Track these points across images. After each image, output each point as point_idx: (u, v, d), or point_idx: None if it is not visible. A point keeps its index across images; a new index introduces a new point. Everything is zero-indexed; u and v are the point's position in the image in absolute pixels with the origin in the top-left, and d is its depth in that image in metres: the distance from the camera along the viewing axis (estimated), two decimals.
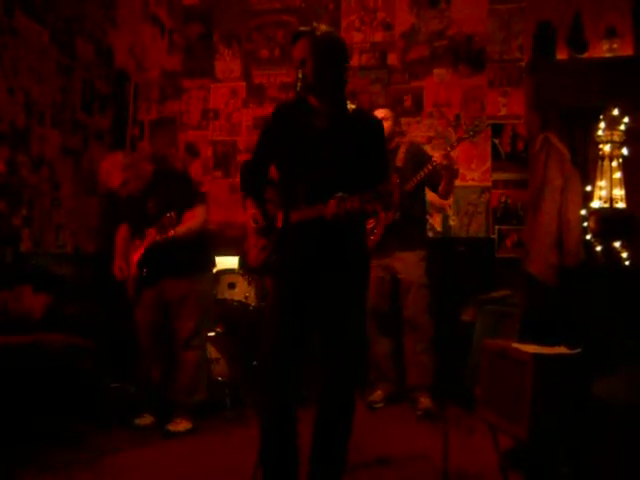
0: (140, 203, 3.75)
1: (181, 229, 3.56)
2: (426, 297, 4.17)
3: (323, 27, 2.48)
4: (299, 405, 2.55)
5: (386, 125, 4.15)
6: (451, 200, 5.13)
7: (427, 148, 4.90)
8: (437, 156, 4.06)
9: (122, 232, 3.92)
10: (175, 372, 3.76)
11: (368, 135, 2.53)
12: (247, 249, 2.80)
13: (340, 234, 2.48)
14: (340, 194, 2.30)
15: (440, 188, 4.14)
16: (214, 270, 4.23)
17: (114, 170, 3.66)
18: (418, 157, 4.23)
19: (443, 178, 4.07)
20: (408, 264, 4.16)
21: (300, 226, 2.47)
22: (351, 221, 2.37)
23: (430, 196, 4.43)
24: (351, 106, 2.56)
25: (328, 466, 2.54)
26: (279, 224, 2.55)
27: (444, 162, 4.00)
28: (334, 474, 2.55)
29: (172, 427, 3.65)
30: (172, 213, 3.44)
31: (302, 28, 2.49)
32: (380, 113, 4.17)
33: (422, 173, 4.08)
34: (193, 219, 3.65)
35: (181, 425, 3.66)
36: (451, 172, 4.09)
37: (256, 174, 2.73)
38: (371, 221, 4.06)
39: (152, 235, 3.58)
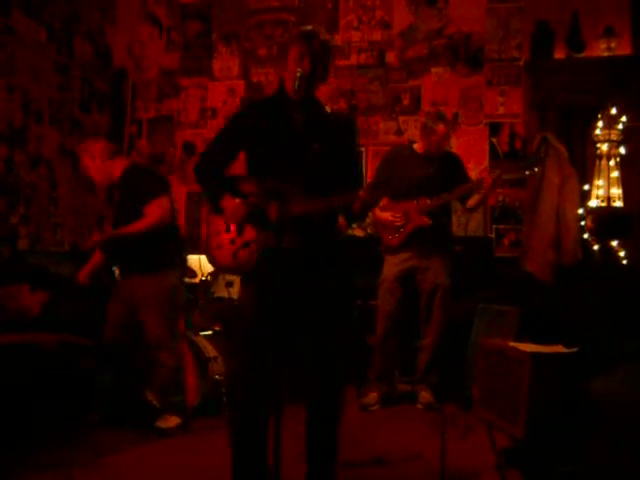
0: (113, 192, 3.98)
1: (125, 230, 3.63)
2: (450, 298, 4.19)
3: (323, 31, 2.59)
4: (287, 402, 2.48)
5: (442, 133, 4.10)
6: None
7: None
8: (478, 179, 4.08)
9: None
10: (152, 373, 3.73)
11: (344, 131, 2.67)
12: (217, 248, 2.59)
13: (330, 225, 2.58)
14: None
15: (469, 204, 4.19)
16: (184, 263, 4.18)
17: (83, 156, 3.83)
18: (454, 170, 4.21)
19: (474, 196, 4.12)
20: (437, 267, 4.15)
21: (305, 217, 2.42)
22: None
23: None
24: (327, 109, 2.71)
25: (322, 464, 2.59)
26: (273, 216, 2.43)
27: (480, 196, 4.08)
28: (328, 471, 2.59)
29: (162, 424, 3.61)
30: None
31: (307, 28, 2.55)
32: (437, 125, 4.11)
33: (458, 192, 4.07)
34: (141, 220, 3.60)
35: (170, 421, 3.63)
36: (485, 196, 4.16)
37: (218, 170, 2.64)
38: (400, 220, 4.09)
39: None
